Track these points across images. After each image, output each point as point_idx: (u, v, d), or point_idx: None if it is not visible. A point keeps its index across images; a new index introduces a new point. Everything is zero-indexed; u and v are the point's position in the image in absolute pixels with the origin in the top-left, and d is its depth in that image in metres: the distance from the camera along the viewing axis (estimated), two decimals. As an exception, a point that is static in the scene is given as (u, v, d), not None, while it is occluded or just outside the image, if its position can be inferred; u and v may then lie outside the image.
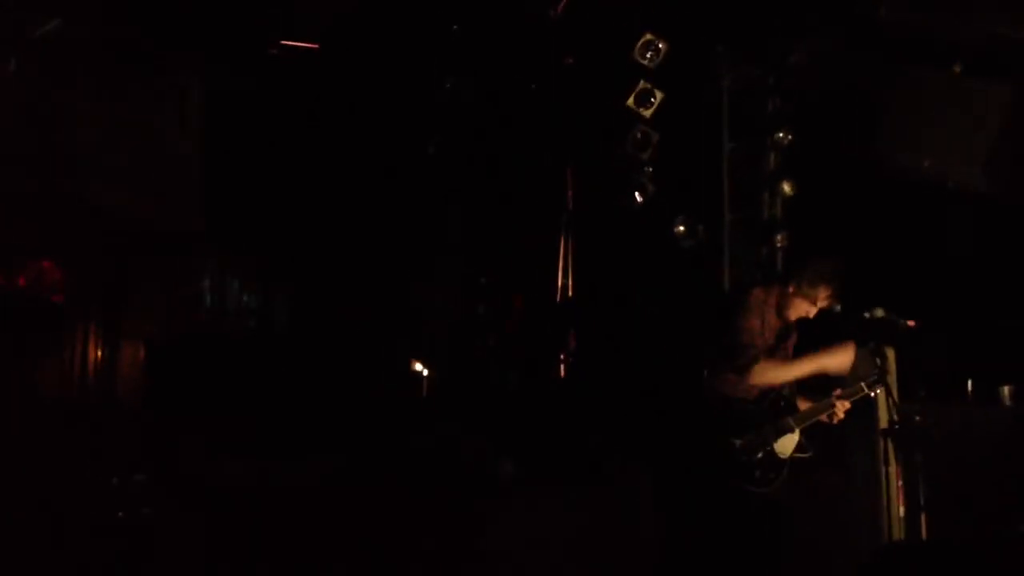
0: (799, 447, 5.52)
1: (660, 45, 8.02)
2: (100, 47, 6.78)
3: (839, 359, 5.40)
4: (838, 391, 5.58)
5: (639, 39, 8.05)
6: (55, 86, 6.52)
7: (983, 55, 6.84)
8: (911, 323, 5.64)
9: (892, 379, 5.90)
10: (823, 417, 5.56)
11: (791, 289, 5.56)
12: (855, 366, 6.23)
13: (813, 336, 5.89)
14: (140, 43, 7.00)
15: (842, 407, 5.53)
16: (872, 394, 5.62)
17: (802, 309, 5.57)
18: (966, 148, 6.71)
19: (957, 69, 6.87)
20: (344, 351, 8.13)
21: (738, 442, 5.41)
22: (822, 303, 5.53)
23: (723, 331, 5.62)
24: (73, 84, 6.63)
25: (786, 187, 7.98)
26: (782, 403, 5.51)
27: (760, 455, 5.42)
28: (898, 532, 5.94)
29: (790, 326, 5.67)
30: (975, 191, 6.81)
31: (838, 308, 5.59)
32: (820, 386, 5.85)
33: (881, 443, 5.94)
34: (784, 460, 5.46)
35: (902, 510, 5.91)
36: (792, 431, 5.46)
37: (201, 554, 5.51)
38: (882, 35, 7.26)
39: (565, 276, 9.07)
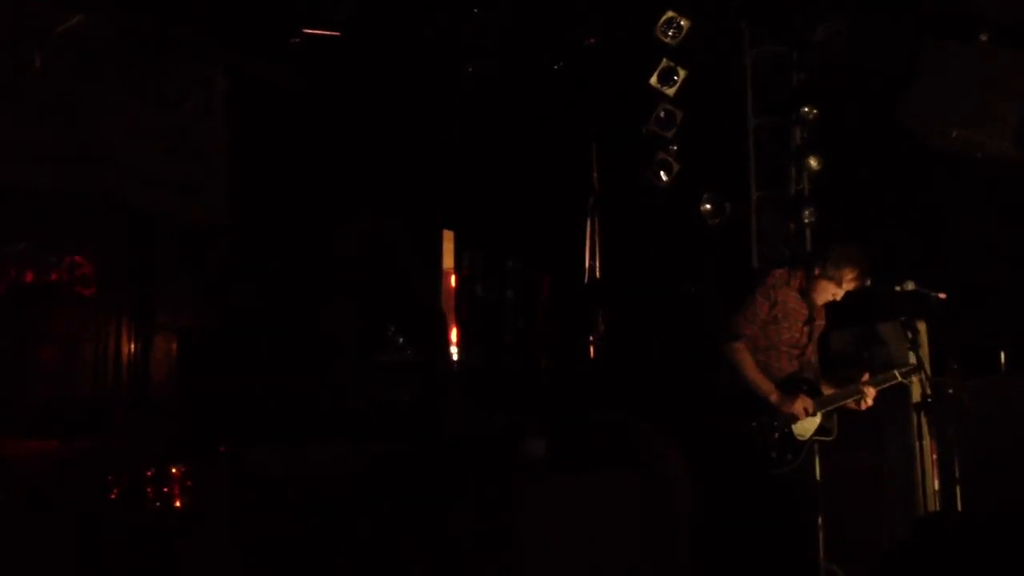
0: (821, 430, 5.47)
1: (682, 22, 7.97)
2: (126, 42, 6.82)
3: (788, 405, 5.37)
4: (867, 377, 5.52)
5: (661, 17, 8.00)
6: (82, 83, 6.58)
7: (1010, 24, 6.76)
8: (942, 295, 5.59)
9: (924, 352, 5.86)
10: (851, 403, 5.51)
11: (816, 271, 5.50)
12: (887, 343, 6.20)
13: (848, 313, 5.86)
14: (165, 37, 7.03)
15: (871, 394, 5.48)
16: (906, 382, 5.57)
17: (828, 292, 5.51)
18: (995, 118, 6.63)
19: (984, 38, 6.79)
20: (373, 338, 8.17)
21: (754, 423, 5.38)
22: (848, 286, 5.46)
23: (734, 302, 5.62)
24: (100, 80, 6.68)
25: (813, 162, 7.92)
26: (804, 387, 5.46)
27: (776, 436, 5.39)
28: (933, 506, 5.92)
29: (815, 309, 5.61)
30: (1005, 161, 6.74)
31: (868, 283, 5.54)
32: (848, 372, 5.82)
33: (914, 418, 5.93)
34: (803, 442, 5.43)
35: (937, 484, 5.89)
36: (801, 419, 5.41)
37: (236, 542, 5.55)
38: (907, 6, 7.19)
39: (592, 257, 9.06)
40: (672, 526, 5.87)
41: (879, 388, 5.51)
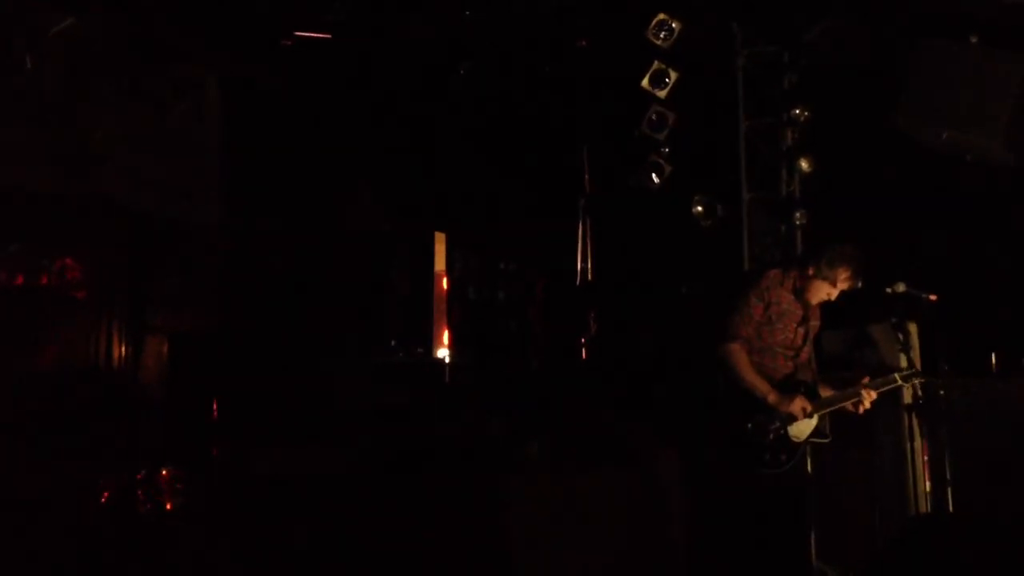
0: (817, 432, 5.47)
1: (674, 25, 7.98)
2: (119, 45, 6.82)
3: (786, 406, 5.37)
4: (867, 380, 5.53)
5: (652, 19, 8.01)
6: (75, 85, 6.56)
7: (1000, 26, 6.77)
8: (933, 297, 5.60)
9: (915, 354, 5.87)
10: (848, 406, 5.52)
11: (810, 271, 5.49)
12: (878, 345, 6.21)
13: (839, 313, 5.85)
14: (156, 39, 7.02)
15: (870, 397, 5.49)
16: (906, 386, 5.58)
17: (823, 292, 5.49)
18: (985, 119, 6.64)
19: (974, 40, 6.80)
20: (365, 339, 8.17)
21: (749, 424, 5.38)
22: (842, 285, 5.45)
23: (728, 304, 5.61)
24: (93, 83, 6.67)
25: (804, 164, 7.95)
26: (802, 389, 5.46)
27: (772, 437, 5.38)
28: (924, 507, 5.93)
29: (810, 310, 5.61)
30: (995, 162, 6.75)
31: (860, 285, 5.54)
32: (846, 374, 5.82)
33: (906, 419, 5.93)
34: (799, 444, 5.42)
35: (928, 485, 5.90)
36: (799, 419, 5.41)
37: (231, 543, 5.54)
38: (898, 8, 7.20)
39: (584, 259, 9.07)
40: (666, 526, 5.89)
41: (879, 391, 5.51)
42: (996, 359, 6.51)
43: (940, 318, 5.79)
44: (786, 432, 5.39)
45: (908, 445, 5.97)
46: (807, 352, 5.66)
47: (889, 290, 5.60)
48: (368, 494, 5.78)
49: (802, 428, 5.42)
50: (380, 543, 5.52)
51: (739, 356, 5.41)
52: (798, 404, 5.36)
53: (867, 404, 5.48)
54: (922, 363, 5.89)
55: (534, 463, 6.14)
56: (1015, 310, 6.50)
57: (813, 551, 6.39)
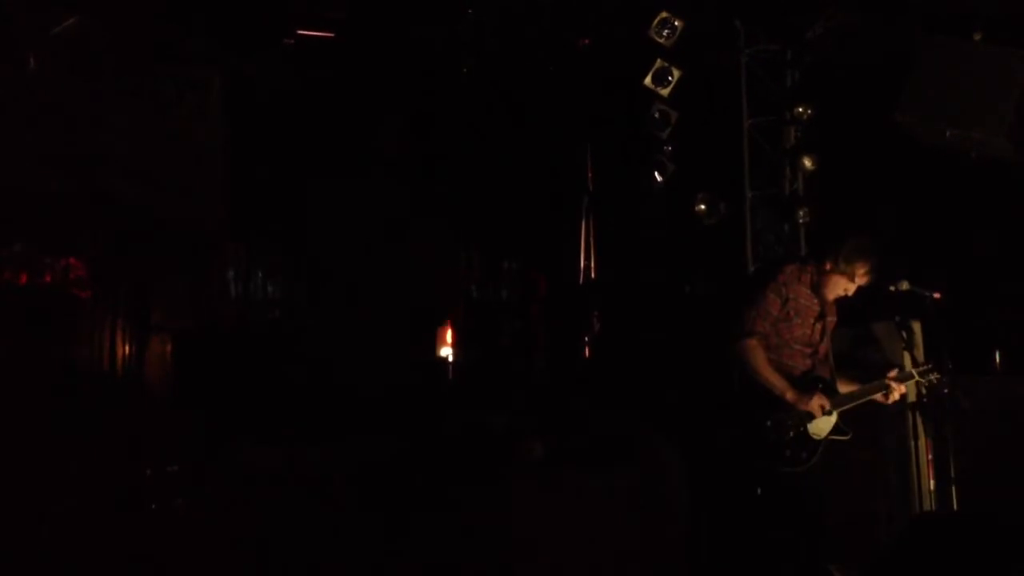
0: (836, 429, 5.40)
1: (676, 23, 7.97)
2: (122, 43, 6.83)
3: (804, 403, 5.33)
4: (893, 373, 5.51)
5: (655, 17, 8.01)
6: (78, 84, 6.57)
7: (1004, 23, 6.77)
8: (937, 295, 5.58)
9: (919, 352, 5.86)
10: (878, 397, 5.50)
11: (828, 266, 5.42)
12: (882, 343, 6.19)
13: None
14: (159, 38, 7.03)
15: (899, 389, 5.46)
16: (923, 381, 5.57)
17: (840, 287, 5.41)
18: (989, 117, 6.63)
19: (978, 37, 6.79)
20: (368, 338, 8.17)
21: (768, 421, 5.34)
22: (861, 280, 5.37)
23: (744, 299, 5.56)
24: (96, 81, 6.68)
25: (807, 162, 7.94)
26: (820, 385, 5.41)
27: (791, 434, 5.34)
28: (929, 504, 5.93)
29: (826, 305, 5.55)
30: (999, 160, 6.74)
31: (877, 280, 5.50)
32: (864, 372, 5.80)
33: (910, 417, 5.93)
34: (818, 441, 5.38)
35: (932, 483, 5.89)
36: (817, 417, 5.37)
37: (232, 541, 5.55)
38: (901, 4, 7.20)
39: (587, 258, 9.07)
40: (670, 526, 5.88)
41: (904, 384, 5.49)
42: (1000, 357, 6.51)
43: (944, 316, 5.77)
44: (805, 429, 5.34)
45: (912, 443, 5.97)
46: (824, 348, 5.58)
47: (893, 288, 5.57)
48: (368, 493, 5.78)
49: (822, 425, 5.36)
50: (380, 542, 5.52)
51: (756, 352, 5.33)
52: (816, 401, 5.30)
53: (896, 396, 5.46)
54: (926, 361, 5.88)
55: (536, 462, 6.13)
56: (1019, 308, 6.49)
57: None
